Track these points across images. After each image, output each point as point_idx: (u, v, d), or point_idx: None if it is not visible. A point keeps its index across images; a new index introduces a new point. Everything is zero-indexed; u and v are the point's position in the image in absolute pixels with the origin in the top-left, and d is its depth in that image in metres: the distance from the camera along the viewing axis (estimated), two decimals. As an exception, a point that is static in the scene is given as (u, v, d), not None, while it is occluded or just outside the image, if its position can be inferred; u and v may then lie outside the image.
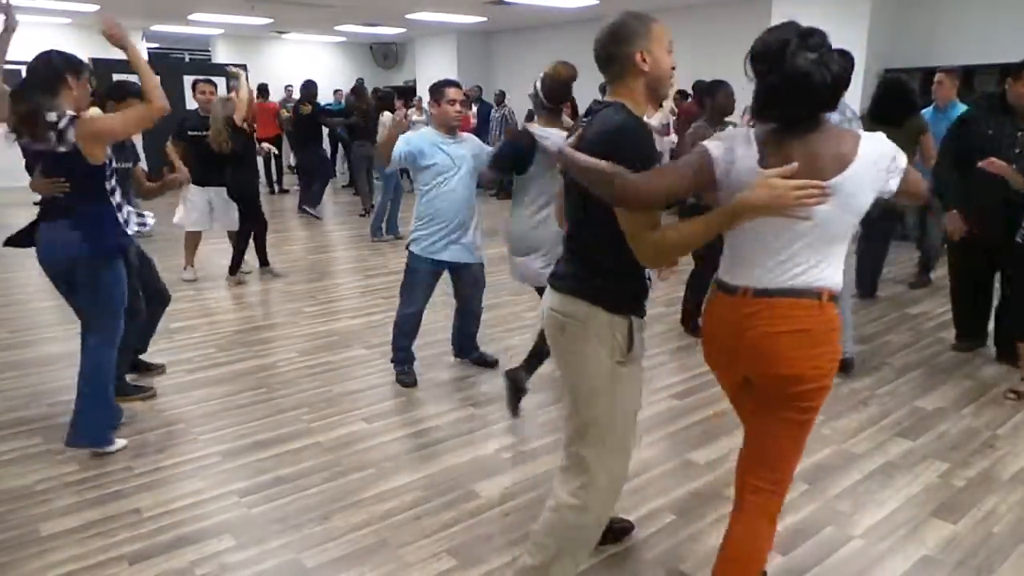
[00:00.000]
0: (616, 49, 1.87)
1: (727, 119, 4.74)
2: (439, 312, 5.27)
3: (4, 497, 2.86)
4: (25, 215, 3.36)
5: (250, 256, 6.42)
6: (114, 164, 3.15)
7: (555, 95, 3.27)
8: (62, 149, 2.89)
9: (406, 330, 4.00)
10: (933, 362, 4.33)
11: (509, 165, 3.45)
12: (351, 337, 4.82)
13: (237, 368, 4.26)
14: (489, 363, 4.24)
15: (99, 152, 2.98)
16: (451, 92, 3.68)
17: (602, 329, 1.90)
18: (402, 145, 3.68)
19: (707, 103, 4.72)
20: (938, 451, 3.24)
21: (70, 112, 2.90)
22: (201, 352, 4.51)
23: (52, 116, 2.86)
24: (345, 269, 6.85)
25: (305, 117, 9.87)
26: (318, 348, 4.61)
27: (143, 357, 4.10)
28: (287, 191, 12.04)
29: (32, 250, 3.16)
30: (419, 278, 3.86)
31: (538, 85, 3.26)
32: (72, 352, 3.65)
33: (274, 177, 12.11)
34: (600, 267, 1.92)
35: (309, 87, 10.03)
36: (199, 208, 6.10)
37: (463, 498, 2.86)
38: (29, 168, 3.13)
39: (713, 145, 1.77)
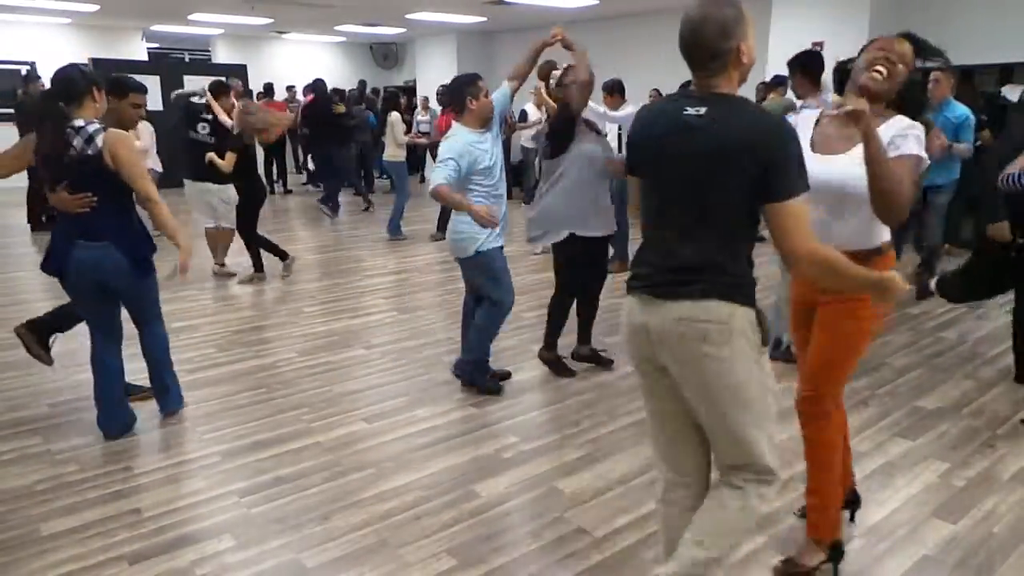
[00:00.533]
0: (724, 44, 1.74)
1: None
2: (439, 312, 5.28)
3: (4, 497, 2.86)
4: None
5: (240, 259, 6.41)
6: None
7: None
8: (90, 152, 2.99)
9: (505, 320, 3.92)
10: (933, 362, 4.33)
11: None
12: (351, 337, 4.82)
13: (237, 368, 4.26)
14: (504, 377, 4.08)
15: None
16: (483, 84, 3.74)
17: (744, 324, 1.82)
18: (452, 170, 3.47)
19: None
20: (938, 451, 3.24)
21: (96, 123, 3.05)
22: (201, 352, 4.52)
23: (79, 122, 3.01)
24: (345, 269, 6.85)
25: (334, 116, 9.81)
26: (318, 348, 4.61)
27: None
28: (291, 191, 12.02)
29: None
30: (504, 266, 3.79)
31: None
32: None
33: (274, 178, 12.09)
34: (725, 267, 1.83)
35: (322, 85, 9.91)
36: (195, 206, 6.20)
37: (463, 498, 2.86)
38: (49, 183, 3.09)
39: (921, 149, 1.99)
